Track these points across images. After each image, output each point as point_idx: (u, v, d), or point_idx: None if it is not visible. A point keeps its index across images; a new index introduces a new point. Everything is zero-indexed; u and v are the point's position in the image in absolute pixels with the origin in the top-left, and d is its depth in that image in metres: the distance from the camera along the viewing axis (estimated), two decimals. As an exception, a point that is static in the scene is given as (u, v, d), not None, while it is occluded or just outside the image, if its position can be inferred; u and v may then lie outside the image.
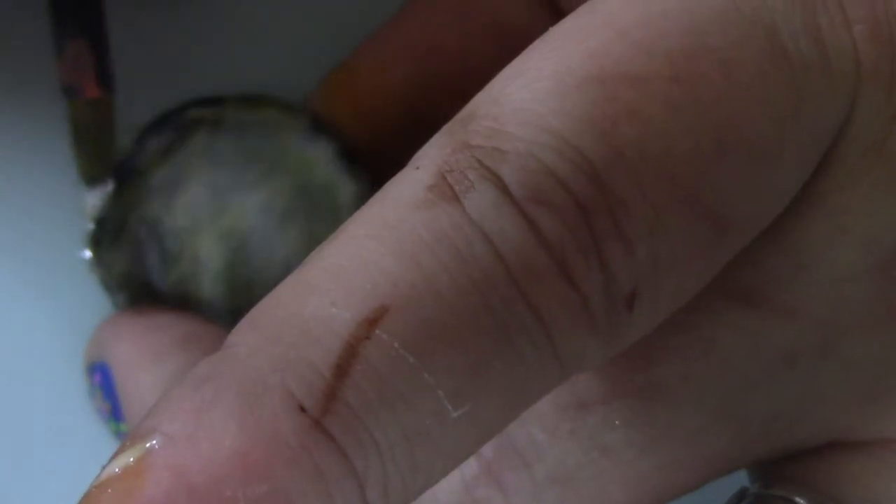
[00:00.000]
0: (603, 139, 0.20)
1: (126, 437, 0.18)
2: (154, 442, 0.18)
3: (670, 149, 0.20)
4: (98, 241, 0.32)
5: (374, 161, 0.32)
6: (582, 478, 0.23)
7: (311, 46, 0.34)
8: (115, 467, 0.18)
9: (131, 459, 0.18)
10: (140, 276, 0.32)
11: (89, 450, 0.31)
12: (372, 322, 0.19)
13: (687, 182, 0.20)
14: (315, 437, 0.18)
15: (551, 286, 0.19)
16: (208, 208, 0.32)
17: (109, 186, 0.32)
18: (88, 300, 0.32)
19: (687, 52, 0.20)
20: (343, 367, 0.18)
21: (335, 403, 0.18)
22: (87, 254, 0.32)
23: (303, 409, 0.18)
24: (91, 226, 0.32)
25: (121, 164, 0.32)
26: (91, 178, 0.32)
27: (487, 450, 0.23)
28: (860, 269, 0.22)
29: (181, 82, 0.33)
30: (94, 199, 0.32)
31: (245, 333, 0.19)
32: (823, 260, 0.22)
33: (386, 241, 0.19)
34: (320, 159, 0.32)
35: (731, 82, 0.20)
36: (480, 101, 0.20)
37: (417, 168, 0.20)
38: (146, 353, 0.30)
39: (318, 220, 0.32)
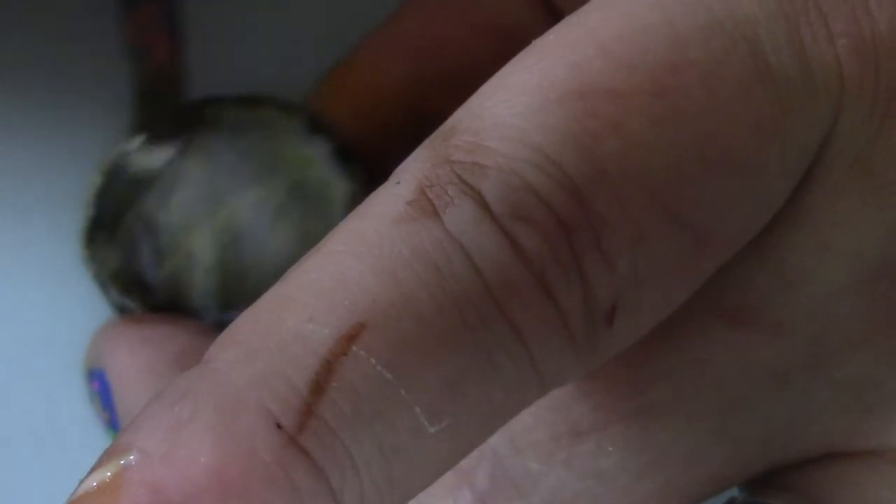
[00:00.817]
0: (584, 154, 0.19)
1: (103, 453, 0.18)
2: (130, 458, 0.18)
3: (651, 163, 0.20)
4: (92, 237, 0.32)
5: (371, 160, 0.32)
6: None
7: (311, 46, 0.34)
8: (92, 482, 0.18)
9: (108, 475, 0.18)
10: (132, 272, 0.32)
11: (88, 452, 0.31)
12: (350, 339, 0.19)
13: (668, 196, 0.20)
14: (291, 453, 0.18)
15: (530, 302, 0.19)
16: (203, 206, 0.32)
17: (173, 147, 0.32)
18: (85, 297, 0.32)
19: (668, 67, 0.20)
20: (320, 383, 0.18)
21: (312, 420, 0.18)
22: (82, 249, 0.32)
23: (279, 426, 0.18)
24: (85, 221, 0.32)
25: (117, 161, 0.32)
26: (152, 138, 0.32)
27: (482, 481, 0.23)
28: (847, 284, 0.22)
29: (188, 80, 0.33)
30: (154, 159, 0.32)
31: (223, 348, 0.19)
32: (811, 276, 0.22)
33: (365, 257, 0.19)
34: (317, 158, 0.32)
35: (713, 96, 0.20)
36: (462, 115, 0.20)
37: (398, 182, 0.20)
38: (143, 367, 0.30)
39: (313, 218, 0.32)
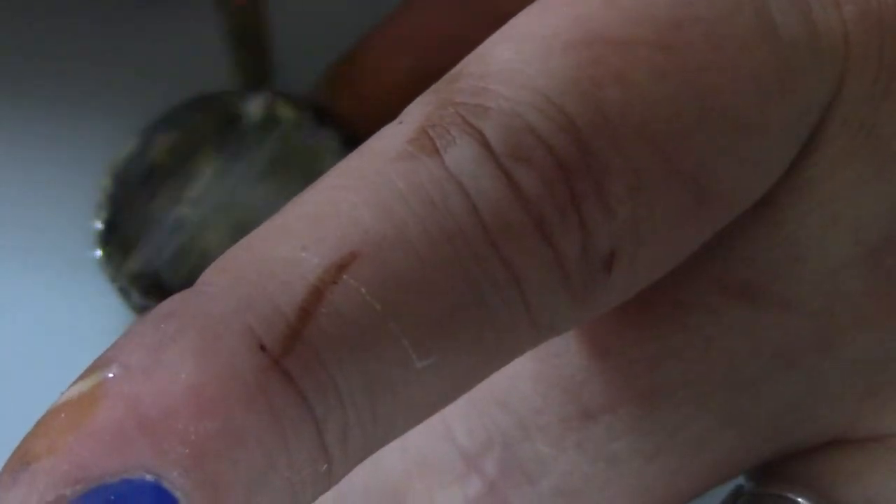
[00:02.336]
0: (587, 101, 0.19)
1: (88, 367, 0.18)
2: (111, 372, 0.18)
3: (653, 113, 0.20)
4: (107, 240, 0.32)
5: None
6: (588, 490, 0.22)
7: (316, 40, 0.34)
8: (72, 394, 0.18)
9: (88, 387, 0.18)
10: (151, 273, 0.32)
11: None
12: (341, 267, 0.18)
13: (668, 147, 0.20)
14: (273, 376, 0.18)
15: (527, 243, 0.19)
16: (217, 202, 0.32)
17: (268, 93, 0.32)
18: (99, 300, 0.32)
19: (674, 21, 0.20)
20: (308, 309, 0.18)
21: (297, 344, 0.18)
22: (98, 253, 0.32)
23: (263, 349, 0.18)
24: (99, 225, 0.32)
25: (126, 161, 0.32)
26: (249, 83, 0.32)
27: (491, 468, 0.23)
28: (852, 258, 0.22)
29: (182, 81, 0.33)
30: (254, 105, 0.32)
31: (214, 273, 0.19)
32: (817, 250, 0.22)
33: (361, 190, 0.19)
34: (325, 150, 0.32)
35: (717, 52, 0.20)
36: (468, 61, 0.20)
37: (401, 122, 0.20)
38: None
39: None
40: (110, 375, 0.18)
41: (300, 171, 0.32)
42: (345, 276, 0.18)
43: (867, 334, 0.22)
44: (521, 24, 0.20)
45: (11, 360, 0.32)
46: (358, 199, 0.19)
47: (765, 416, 0.22)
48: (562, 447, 0.22)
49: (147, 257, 0.32)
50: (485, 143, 0.19)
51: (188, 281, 0.31)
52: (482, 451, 0.23)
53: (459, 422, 0.22)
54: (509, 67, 0.20)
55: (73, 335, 0.32)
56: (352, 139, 0.32)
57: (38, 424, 0.18)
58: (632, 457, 0.22)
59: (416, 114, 0.20)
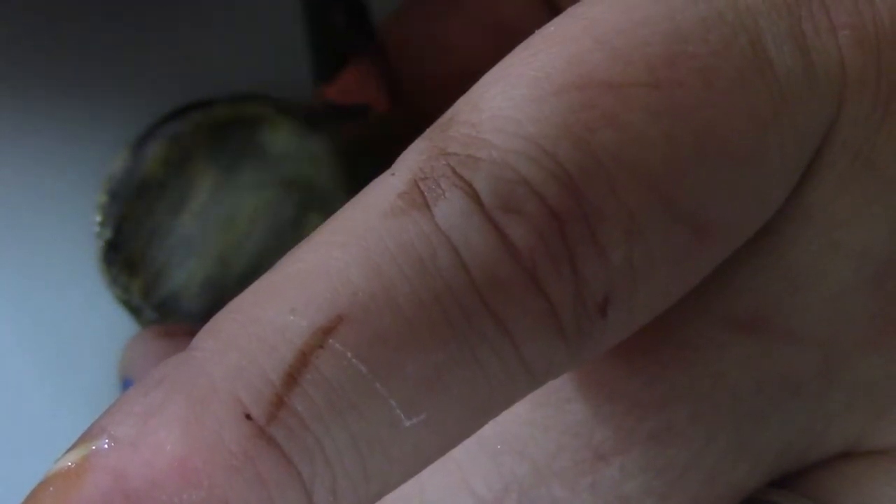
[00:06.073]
0: (579, 146, 0.19)
1: (80, 436, 0.18)
2: (101, 443, 0.18)
3: (647, 154, 0.19)
4: (111, 260, 0.31)
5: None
6: None
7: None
8: (61, 465, 0.18)
9: (77, 458, 0.18)
10: (161, 289, 0.31)
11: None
12: (327, 331, 0.18)
13: (664, 187, 0.19)
14: (258, 444, 0.18)
15: (517, 295, 0.19)
16: (217, 211, 0.31)
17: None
18: (104, 318, 0.32)
19: (666, 59, 0.20)
20: (293, 375, 0.18)
21: (282, 411, 0.18)
22: (102, 272, 0.31)
23: (249, 417, 0.18)
24: (101, 244, 0.32)
25: (121, 177, 0.31)
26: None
27: None
28: (854, 284, 0.22)
29: (180, 83, 0.33)
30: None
31: (205, 338, 0.19)
32: (820, 278, 0.22)
33: (351, 249, 0.19)
34: (320, 155, 0.32)
35: (711, 88, 0.20)
36: (461, 106, 0.20)
37: (393, 174, 0.20)
38: None
39: (322, 215, 0.31)
40: (99, 446, 0.18)
41: (294, 176, 0.31)
42: (330, 340, 0.18)
43: (872, 357, 0.22)
44: (513, 65, 0.20)
45: (16, 380, 0.32)
46: (348, 258, 0.19)
47: (773, 444, 0.22)
48: (576, 490, 0.22)
49: (153, 273, 0.31)
50: (474, 197, 0.19)
51: (202, 293, 0.31)
52: (499, 497, 0.22)
53: (476, 472, 0.22)
54: (501, 114, 0.19)
55: (79, 354, 0.32)
56: (345, 146, 0.32)
57: (29, 497, 0.18)
58: (645, 497, 0.22)
59: (408, 164, 0.20)
